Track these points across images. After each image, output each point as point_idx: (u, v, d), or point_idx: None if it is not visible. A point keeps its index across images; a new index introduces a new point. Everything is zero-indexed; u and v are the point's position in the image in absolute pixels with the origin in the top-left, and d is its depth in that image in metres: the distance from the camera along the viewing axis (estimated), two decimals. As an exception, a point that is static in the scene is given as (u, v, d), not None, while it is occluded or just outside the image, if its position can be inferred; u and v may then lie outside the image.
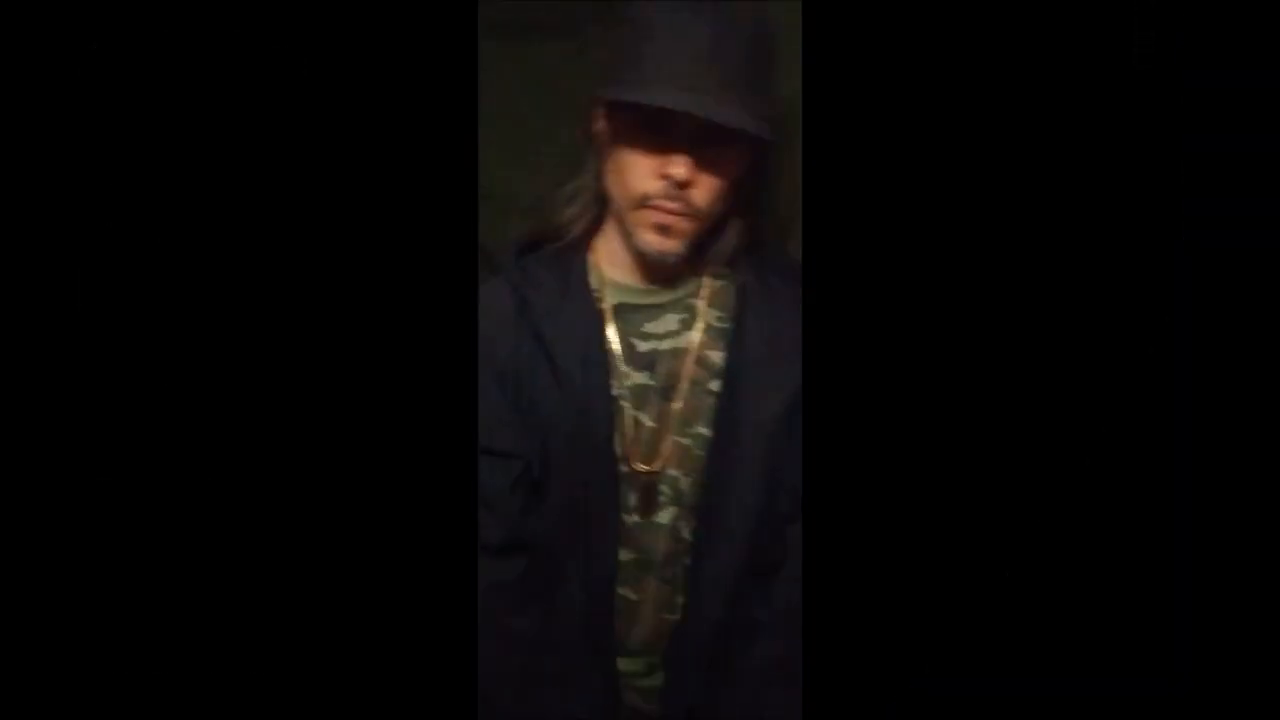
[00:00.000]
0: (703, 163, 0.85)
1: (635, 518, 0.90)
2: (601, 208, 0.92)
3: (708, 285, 0.93)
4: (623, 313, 0.93)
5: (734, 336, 0.92)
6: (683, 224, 0.87)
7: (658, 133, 0.84)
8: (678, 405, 0.90)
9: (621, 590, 0.91)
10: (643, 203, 0.87)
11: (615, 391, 0.90)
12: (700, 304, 0.93)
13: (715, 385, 0.91)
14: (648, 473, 0.89)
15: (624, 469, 0.89)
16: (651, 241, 0.87)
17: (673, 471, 0.90)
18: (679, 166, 0.84)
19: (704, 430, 0.90)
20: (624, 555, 0.90)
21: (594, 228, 0.94)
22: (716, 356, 0.92)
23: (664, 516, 0.90)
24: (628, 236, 0.90)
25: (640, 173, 0.86)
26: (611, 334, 0.92)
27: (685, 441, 0.90)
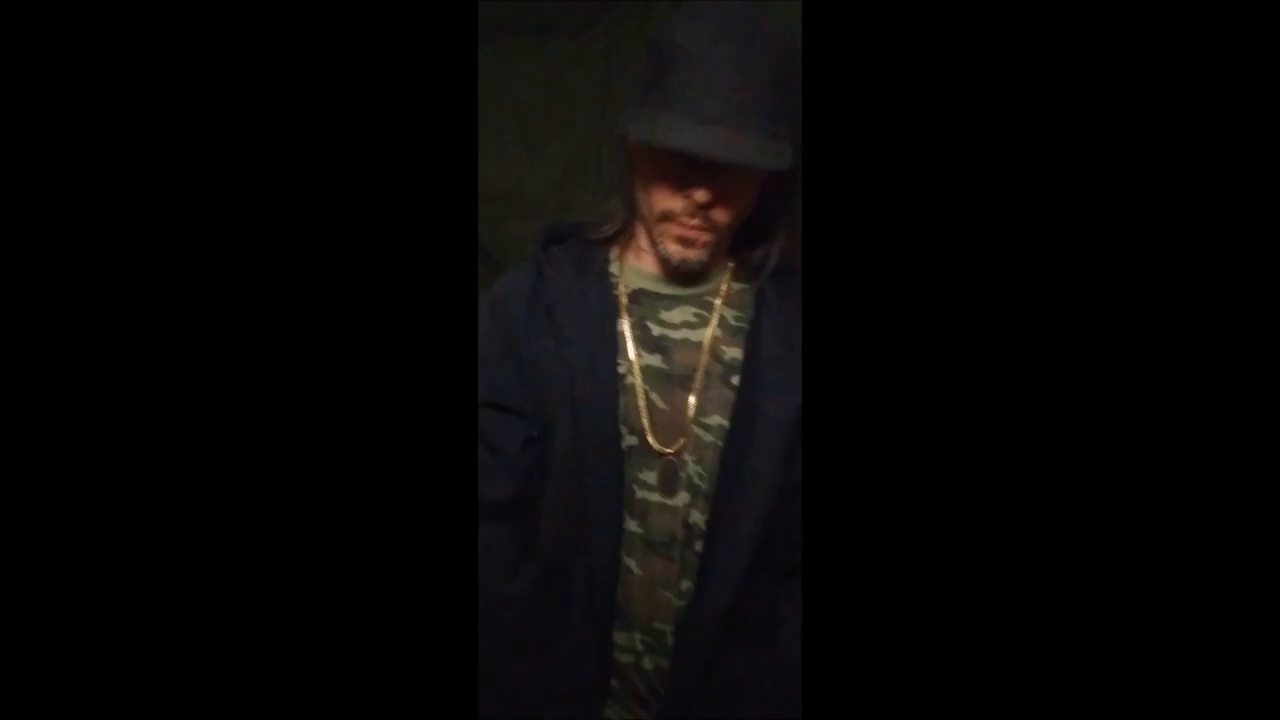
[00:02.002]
0: (723, 186, 0.90)
1: (654, 495, 0.93)
2: (631, 214, 0.98)
3: (727, 286, 0.98)
4: (639, 299, 0.97)
5: (751, 335, 0.96)
6: (704, 236, 0.92)
7: (679, 159, 0.88)
8: (693, 395, 0.94)
9: (626, 561, 0.92)
10: (666, 217, 0.92)
11: (622, 370, 0.94)
12: (718, 302, 0.98)
13: (734, 379, 0.94)
14: (665, 454, 0.92)
15: (636, 443, 0.93)
16: (674, 251, 0.93)
17: (689, 457, 0.93)
18: (699, 191, 0.89)
19: (721, 421, 0.93)
20: (632, 527, 0.92)
21: (623, 229, 0.99)
22: (733, 352, 0.95)
23: (679, 500, 0.92)
24: (653, 243, 0.95)
25: (664, 192, 0.91)
26: (624, 316, 0.96)
27: (701, 432, 0.93)
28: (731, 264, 0.99)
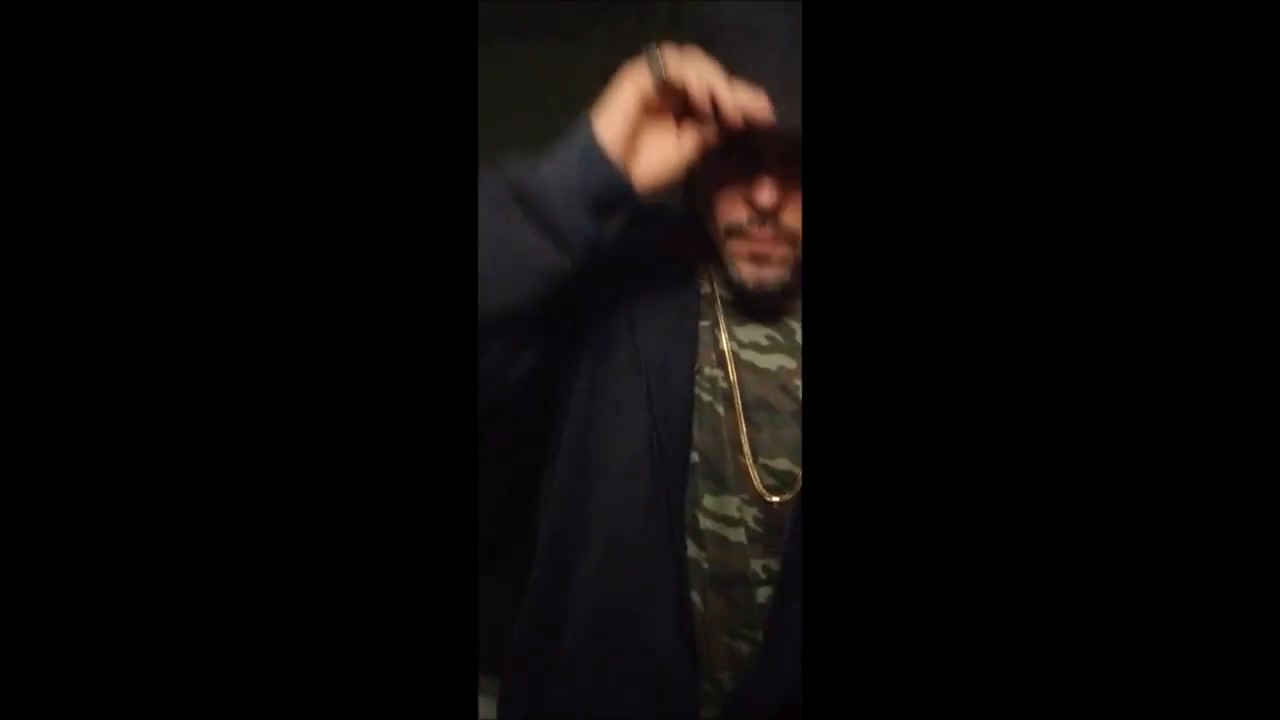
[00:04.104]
0: (792, 182, 0.79)
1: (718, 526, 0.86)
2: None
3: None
4: (717, 302, 0.87)
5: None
6: (780, 251, 0.81)
7: (741, 155, 0.79)
8: (757, 429, 0.86)
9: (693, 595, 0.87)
10: (733, 233, 0.81)
11: (709, 381, 0.86)
12: (796, 325, 0.87)
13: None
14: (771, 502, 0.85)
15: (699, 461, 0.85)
16: (748, 272, 0.82)
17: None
18: (764, 192, 0.78)
19: (790, 466, 0.85)
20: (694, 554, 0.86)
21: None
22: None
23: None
24: (725, 268, 0.84)
25: (726, 202, 0.81)
26: (706, 317, 0.87)
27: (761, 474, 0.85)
28: None
